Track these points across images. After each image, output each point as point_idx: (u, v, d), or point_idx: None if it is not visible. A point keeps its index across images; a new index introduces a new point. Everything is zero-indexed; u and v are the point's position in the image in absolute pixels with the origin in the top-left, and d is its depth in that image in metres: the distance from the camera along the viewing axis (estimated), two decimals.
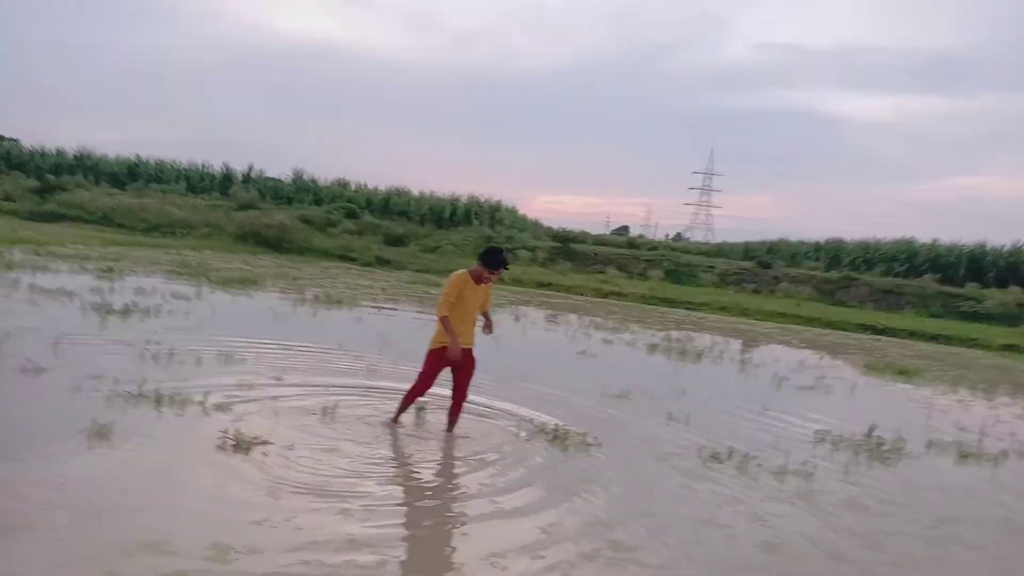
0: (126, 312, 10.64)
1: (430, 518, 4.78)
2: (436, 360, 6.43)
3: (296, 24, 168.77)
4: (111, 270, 15.45)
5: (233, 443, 5.54)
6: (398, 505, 4.96)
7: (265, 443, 5.66)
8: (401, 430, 6.52)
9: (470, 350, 6.53)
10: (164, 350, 8.37)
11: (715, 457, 6.77)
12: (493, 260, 6.32)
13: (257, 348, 9.18)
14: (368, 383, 8.21)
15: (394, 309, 15.66)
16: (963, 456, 7.96)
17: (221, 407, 6.48)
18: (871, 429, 8.35)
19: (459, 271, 6.47)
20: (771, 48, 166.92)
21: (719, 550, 4.74)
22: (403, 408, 6.64)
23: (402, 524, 4.66)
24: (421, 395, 6.60)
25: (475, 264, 6.45)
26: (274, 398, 7.05)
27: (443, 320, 6.30)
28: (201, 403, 6.50)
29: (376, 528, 4.52)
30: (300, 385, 7.72)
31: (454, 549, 4.39)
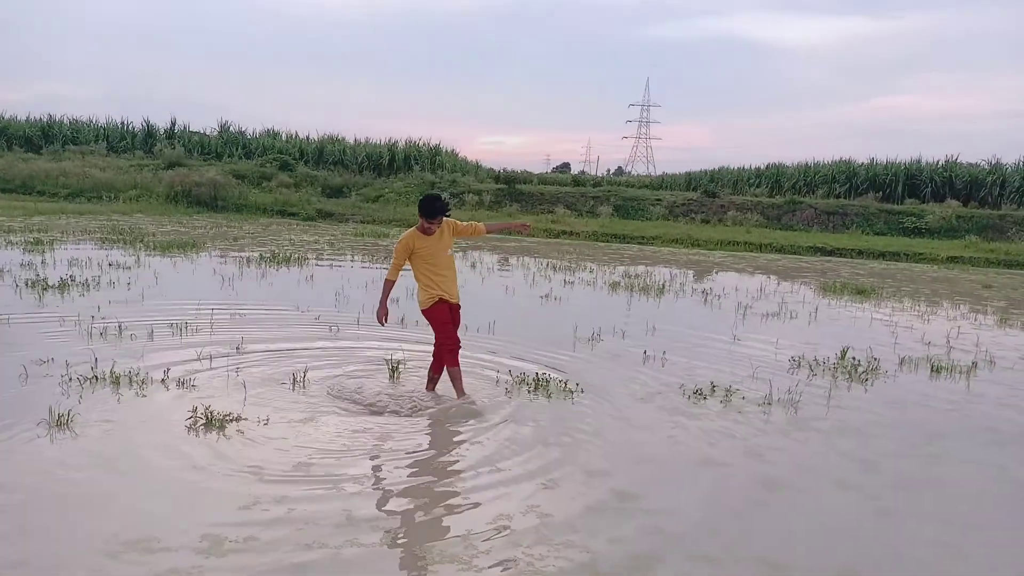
0: (63, 287, 10.07)
1: (426, 487, 4.57)
2: (437, 313, 6.14)
3: None
4: (39, 242, 14.63)
5: (204, 421, 5.25)
6: (391, 477, 4.74)
7: (238, 419, 5.39)
8: (379, 393, 6.28)
9: (458, 305, 6.31)
10: (112, 325, 7.94)
11: (699, 393, 6.75)
12: (430, 208, 5.94)
13: (209, 316, 8.77)
14: (333, 344, 7.95)
15: (344, 264, 15.26)
16: (936, 370, 8.12)
17: (184, 383, 6.14)
18: (844, 351, 8.47)
19: (406, 231, 6.19)
20: None
21: (723, 490, 4.70)
22: (435, 375, 6.37)
23: (399, 496, 4.47)
24: (454, 350, 6.21)
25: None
26: (238, 369, 6.74)
27: (385, 283, 6.17)
28: (162, 380, 6.17)
29: (372, 502, 4.34)
30: (262, 352, 7.40)
31: (458, 517, 4.21)
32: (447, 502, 4.37)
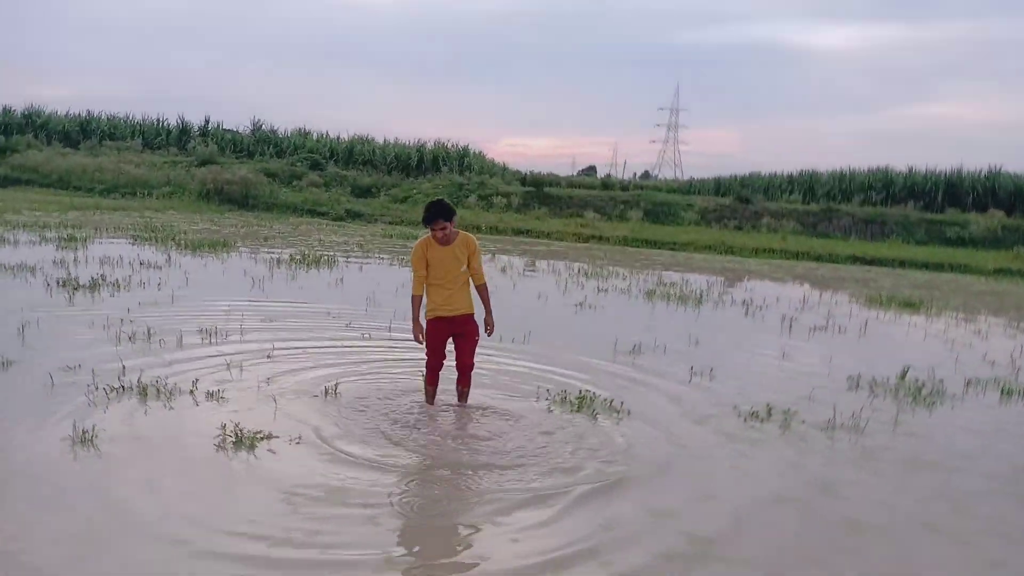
0: (94, 286, 9.81)
1: (465, 516, 4.14)
2: (430, 331, 5.80)
3: None
4: (73, 239, 14.47)
5: (233, 440, 4.88)
6: (428, 503, 4.31)
7: (269, 437, 5.01)
8: (411, 409, 5.88)
9: (468, 316, 5.80)
10: (141, 329, 7.63)
11: (755, 415, 6.28)
12: (425, 218, 5.58)
13: (239, 320, 8.44)
14: (365, 352, 7.58)
15: (374, 266, 14.94)
16: (1007, 393, 7.57)
17: (213, 395, 5.78)
18: (904, 371, 7.94)
19: (419, 240, 5.79)
20: None
21: (802, 533, 4.22)
22: (428, 387, 6.01)
23: (436, 527, 4.04)
24: (435, 370, 5.95)
25: None
26: (268, 380, 6.37)
27: (412, 300, 5.81)
28: (191, 392, 5.81)
29: (408, 529, 3.93)
30: (293, 361, 7.04)
31: (508, 554, 3.77)
32: (491, 538, 3.93)
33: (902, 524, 4.44)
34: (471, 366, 5.90)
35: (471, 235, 5.83)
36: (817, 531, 4.25)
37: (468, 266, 5.71)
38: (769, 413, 6.37)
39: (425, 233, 5.73)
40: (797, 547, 4.05)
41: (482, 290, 5.86)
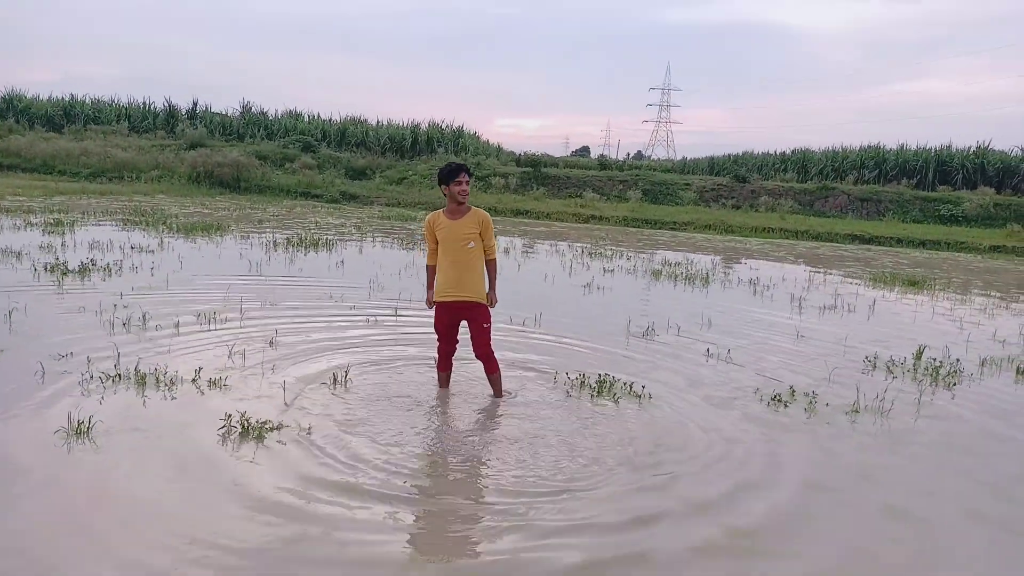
0: (84, 271, 9.49)
1: (487, 515, 3.88)
2: (436, 316, 5.58)
3: None
4: (60, 223, 14.09)
5: (239, 430, 4.61)
6: (447, 499, 4.06)
7: (279, 427, 4.74)
8: (426, 397, 5.63)
9: (474, 303, 5.47)
10: (135, 315, 7.33)
11: (778, 399, 6.05)
12: (445, 173, 5.35)
13: (238, 305, 8.14)
14: (371, 337, 7.31)
15: (374, 248, 14.63)
16: (1023, 373, 7.37)
17: (216, 383, 5.50)
18: (920, 351, 7.74)
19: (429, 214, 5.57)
20: None
21: (845, 522, 3.99)
22: (440, 372, 5.78)
23: (458, 526, 3.79)
24: (447, 356, 5.70)
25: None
26: (273, 367, 6.10)
27: (427, 269, 5.66)
28: (192, 380, 5.51)
29: (429, 529, 3.69)
30: (298, 347, 6.76)
31: (536, 554, 3.52)
32: (517, 537, 3.67)
33: (945, 512, 4.22)
34: (488, 354, 5.59)
35: (483, 210, 5.55)
36: (859, 521, 4.02)
37: (481, 234, 5.42)
38: (792, 395, 6.16)
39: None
40: (841, 538, 3.81)
41: (490, 265, 5.57)
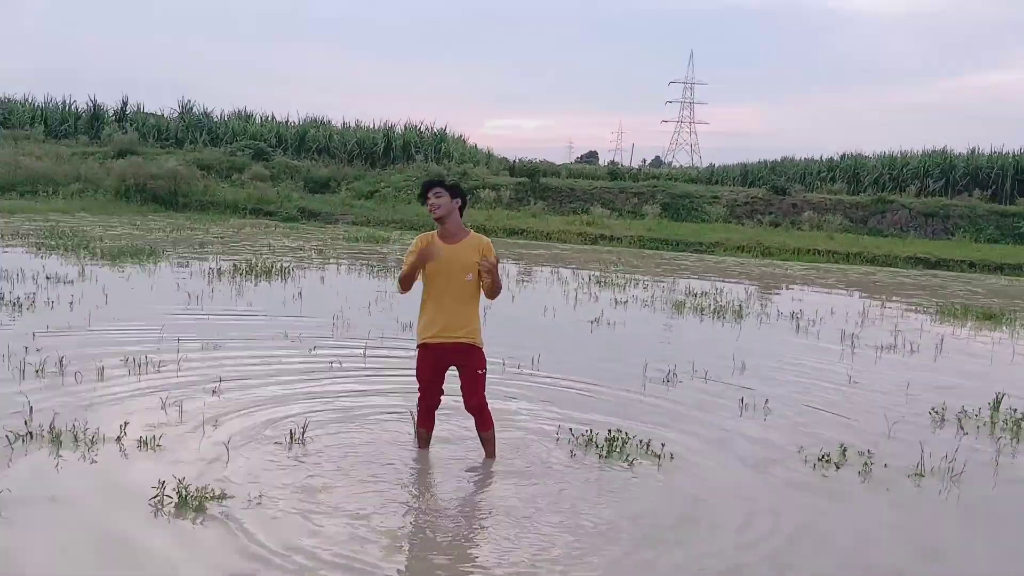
0: None
1: None
2: (419, 362, 5.56)
3: None
4: None
5: (175, 500, 4.61)
6: None
7: (222, 496, 4.74)
8: (400, 459, 5.64)
9: (469, 346, 5.44)
10: (51, 359, 7.35)
11: (825, 459, 6.07)
12: (421, 190, 5.45)
13: (174, 346, 8.17)
14: (336, 385, 7.37)
15: (337, 277, 14.71)
16: None
17: (146, 443, 5.51)
18: (997, 399, 7.79)
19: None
20: None
21: None
22: (419, 429, 5.80)
23: None
24: (429, 409, 5.69)
25: None
26: (215, 423, 6.11)
27: (400, 280, 5.46)
28: (117, 439, 5.53)
29: None
30: (246, 398, 6.79)
31: None
32: None
33: None
34: (481, 407, 5.58)
35: (485, 237, 5.55)
36: None
37: (481, 259, 5.30)
38: (844, 455, 6.17)
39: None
40: None
41: (493, 286, 5.39)
